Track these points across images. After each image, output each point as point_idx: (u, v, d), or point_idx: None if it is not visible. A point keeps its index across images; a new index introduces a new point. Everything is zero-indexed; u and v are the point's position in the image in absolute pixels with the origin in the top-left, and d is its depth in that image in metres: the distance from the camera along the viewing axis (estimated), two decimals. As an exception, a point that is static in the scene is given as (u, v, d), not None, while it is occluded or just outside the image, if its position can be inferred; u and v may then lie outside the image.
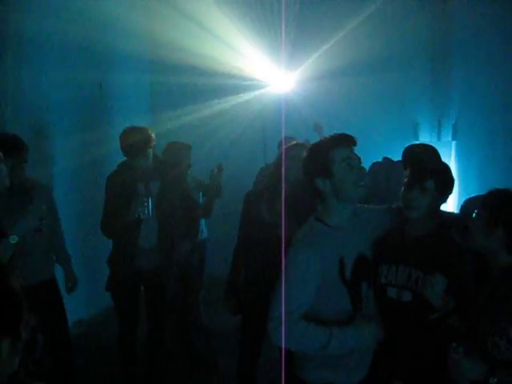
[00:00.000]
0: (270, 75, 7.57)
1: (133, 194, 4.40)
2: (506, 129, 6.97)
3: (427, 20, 7.34)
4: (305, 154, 3.60)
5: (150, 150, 4.49)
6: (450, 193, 2.89)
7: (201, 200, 5.70)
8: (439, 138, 7.81)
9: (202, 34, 7.14)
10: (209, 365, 5.48)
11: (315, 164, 2.76)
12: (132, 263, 4.48)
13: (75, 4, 5.95)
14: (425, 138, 7.79)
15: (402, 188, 2.85)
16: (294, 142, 4.19)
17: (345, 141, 2.75)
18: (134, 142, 4.40)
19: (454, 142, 7.72)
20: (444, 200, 2.89)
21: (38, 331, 1.40)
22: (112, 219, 4.41)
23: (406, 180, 2.84)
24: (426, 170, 2.81)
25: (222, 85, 7.44)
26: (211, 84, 7.42)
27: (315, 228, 2.79)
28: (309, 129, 6.74)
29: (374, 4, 6.79)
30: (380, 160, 5.39)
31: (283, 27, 6.71)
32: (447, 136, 7.78)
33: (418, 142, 5.12)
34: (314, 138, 6.79)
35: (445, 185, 2.86)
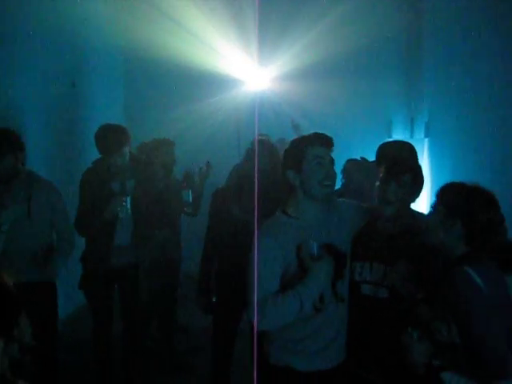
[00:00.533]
0: (244, 73, 7.58)
1: (108, 193, 4.37)
2: (478, 126, 7.05)
3: (401, 19, 7.41)
4: (269, 149, 3.88)
5: (126, 148, 4.46)
6: (422, 189, 2.93)
7: (190, 198, 5.66)
8: (412, 136, 7.88)
9: (177, 31, 7.11)
10: (186, 364, 5.47)
11: (289, 157, 2.87)
12: (107, 261, 4.46)
13: (47, 0, 5.88)
14: (398, 136, 7.86)
15: (377, 184, 2.88)
16: (259, 139, 4.20)
17: (321, 140, 2.83)
18: (110, 140, 4.36)
19: (426, 140, 7.80)
20: (416, 196, 2.93)
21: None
22: (87, 218, 4.36)
23: (381, 176, 2.86)
24: (402, 164, 2.86)
25: (196, 82, 7.42)
26: (186, 81, 7.41)
27: (277, 219, 2.90)
28: (284, 127, 6.77)
29: (349, 2, 6.82)
30: (354, 157, 5.40)
31: (257, 25, 6.72)
32: (420, 133, 7.86)
33: (391, 139, 5.18)
34: (290, 136, 6.83)
35: (419, 180, 2.90)
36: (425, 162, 7.53)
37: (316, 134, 2.87)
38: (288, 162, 2.88)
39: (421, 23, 7.48)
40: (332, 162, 2.85)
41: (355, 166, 5.07)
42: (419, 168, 2.99)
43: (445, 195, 2.52)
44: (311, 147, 2.80)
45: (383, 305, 2.77)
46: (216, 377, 4.31)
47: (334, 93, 7.45)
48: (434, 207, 2.53)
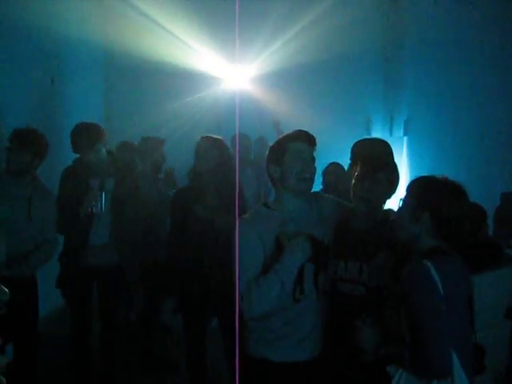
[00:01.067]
0: (224, 71, 7.58)
1: (85, 190, 4.36)
2: (456, 124, 7.12)
3: (379, 17, 7.46)
4: (209, 145, 4.02)
5: (100, 146, 4.45)
6: (397, 186, 2.96)
7: None
8: (391, 134, 7.95)
9: (155, 30, 7.10)
10: (169, 363, 5.45)
11: (272, 151, 2.95)
12: (83, 260, 4.43)
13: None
14: (377, 134, 7.91)
15: (353, 181, 2.90)
16: (205, 136, 4.26)
17: (304, 137, 2.91)
18: (83, 138, 4.38)
19: (405, 138, 7.87)
20: (392, 193, 2.95)
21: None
22: (63, 213, 4.34)
23: (356, 174, 2.89)
24: (377, 162, 2.90)
25: (175, 80, 7.40)
26: (165, 79, 7.38)
27: (257, 210, 3.01)
28: (263, 126, 6.79)
29: (329, 2, 6.85)
30: (332, 156, 5.46)
31: (237, 23, 6.71)
32: (399, 131, 7.93)
33: (365, 138, 5.20)
34: (270, 135, 6.86)
35: (395, 177, 2.93)
36: (404, 159, 7.59)
37: (300, 130, 2.94)
38: (270, 156, 2.95)
39: (400, 22, 7.53)
40: (313, 158, 2.91)
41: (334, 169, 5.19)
42: (394, 165, 3.02)
43: (413, 188, 2.55)
44: (293, 142, 2.88)
45: (359, 302, 2.77)
46: (192, 372, 4.35)
47: (314, 92, 7.48)
48: (404, 201, 2.56)
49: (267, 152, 3.01)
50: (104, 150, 4.50)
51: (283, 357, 2.85)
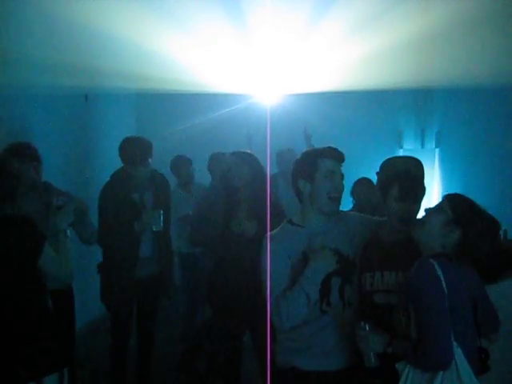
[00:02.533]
0: (254, 86, 7.62)
1: (131, 204, 4.41)
2: (489, 136, 7.05)
3: (411, 26, 7.42)
4: (241, 161, 4.02)
5: (150, 160, 4.51)
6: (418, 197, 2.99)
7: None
8: (423, 146, 7.90)
9: (187, 43, 7.15)
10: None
11: (302, 166, 2.97)
12: (133, 272, 4.45)
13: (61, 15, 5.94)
14: (408, 146, 7.88)
15: (392, 202, 2.89)
16: (235, 152, 4.29)
17: (334, 154, 2.94)
18: (137, 151, 4.43)
19: (437, 150, 7.81)
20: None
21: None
22: (113, 231, 4.36)
23: (396, 194, 2.88)
24: (418, 184, 2.95)
25: (206, 97, 7.46)
26: (197, 96, 7.45)
27: (283, 227, 3.03)
28: (293, 139, 6.81)
29: (358, 13, 6.84)
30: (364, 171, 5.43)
31: (268, 40, 6.75)
32: (431, 144, 7.87)
33: (397, 156, 5.15)
34: (298, 147, 6.87)
35: (410, 191, 2.94)
36: (436, 172, 7.54)
37: (330, 147, 2.97)
38: (300, 170, 2.97)
39: (433, 32, 7.49)
40: (342, 177, 2.96)
41: (364, 186, 5.14)
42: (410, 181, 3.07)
43: (455, 201, 2.58)
44: (324, 159, 2.90)
45: None
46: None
47: (345, 105, 7.47)
48: (441, 208, 2.59)
49: (295, 165, 3.04)
50: (150, 164, 4.56)
51: (311, 365, 2.88)
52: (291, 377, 2.91)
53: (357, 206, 5.13)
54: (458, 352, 2.37)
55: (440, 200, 2.67)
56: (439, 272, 2.40)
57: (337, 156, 2.94)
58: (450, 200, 2.60)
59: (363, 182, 5.18)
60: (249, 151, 4.24)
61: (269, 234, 2.98)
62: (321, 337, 2.88)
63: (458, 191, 2.68)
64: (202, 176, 6.18)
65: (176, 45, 6.83)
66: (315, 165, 2.90)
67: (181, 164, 6.19)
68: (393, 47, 6.68)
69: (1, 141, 4.48)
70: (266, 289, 2.83)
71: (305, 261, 2.83)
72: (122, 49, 6.50)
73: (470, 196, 2.63)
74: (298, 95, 7.52)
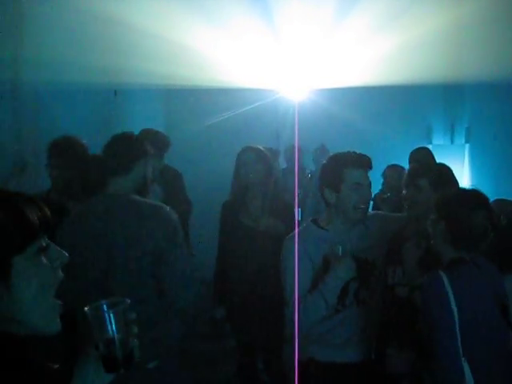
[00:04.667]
0: (283, 82, 7.62)
1: None
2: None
3: (440, 22, 7.36)
4: (255, 157, 3.94)
5: (163, 155, 4.51)
6: (451, 186, 2.96)
7: None
8: (452, 141, 7.84)
9: (214, 39, 7.17)
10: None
11: (328, 175, 2.94)
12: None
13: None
14: (438, 141, 7.82)
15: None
16: (249, 147, 4.25)
17: (361, 163, 2.88)
18: (153, 144, 4.42)
19: (467, 145, 7.74)
20: None
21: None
22: None
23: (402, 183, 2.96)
24: (417, 168, 2.99)
25: (235, 92, 7.48)
26: (225, 91, 7.47)
27: (308, 227, 3.04)
28: (323, 134, 6.80)
29: (390, 7, 6.80)
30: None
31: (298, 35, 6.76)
32: (460, 139, 7.81)
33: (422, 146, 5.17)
34: (330, 144, 6.87)
35: (439, 182, 2.92)
36: (465, 167, 7.47)
37: (356, 155, 2.90)
38: (326, 180, 2.94)
39: (461, 28, 7.42)
40: (369, 185, 2.92)
41: (395, 172, 5.11)
42: (439, 170, 3.04)
43: (437, 200, 2.56)
44: (352, 170, 2.85)
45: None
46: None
47: (374, 100, 7.44)
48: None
49: (321, 172, 3.02)
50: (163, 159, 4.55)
51: (329, 357, 2.93)
52: (309, 367, 2.94)
53: (385, 188, 5.25)
54: (466, 369, 2.29)
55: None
56: (447, 286, 2.32)
57: (364, 164, 2.88)
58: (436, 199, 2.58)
59: (395, 168, 5.21)
60: (261, 148, 4.22)
61: (296, 232, 2.98)
62: (335, 333, 2.92)
63: (488, 187, 2.67)
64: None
65: (204, 41, 6.86)
66: (341, 176, 2.85)
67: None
68: (422, 41, 6.64)
69: (32, 137, 4.56)
70: (288, 288, 2.86)
71: (326, 265, 2.85)
72: (151, 45, 6.55)
73: (499, 192, 2.62)
74: (326, 90, 7.50)
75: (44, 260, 1.22)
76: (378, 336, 2.98)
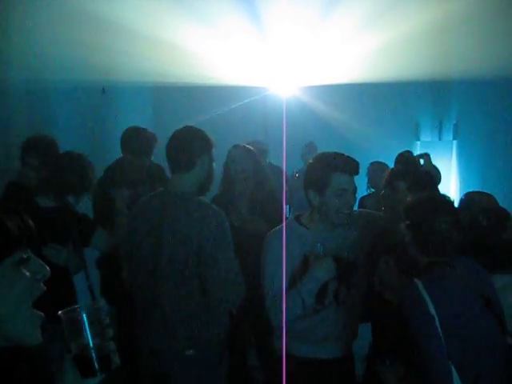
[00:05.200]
0: (271, 79, 7.62)
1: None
2: (507, 128, 7.01)
3: (427, 19, 7.38)
4: (244, 154, 3.96)
5: (146, 152, 4.47)
6: (428, 190, 2.99)
7: None
8: (440, 138, 7.87)
9: (203, 36, 7.16)
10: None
11: (314, 178, 2.87)
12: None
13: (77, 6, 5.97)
14: (426, 138, 7.85)
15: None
16: (238, 145, 4.25)
17: (348, 168, 2.83)
18: (140, 141, 4.39)
19: (455, 142, 7.77)
20: None
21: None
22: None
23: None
24: (398, 171, 3.05)
25: (223, 90, 7.47)
26: (213, 89, 7.46)
27: (290, 224, 2.98)
28: (311, 131, 6.80)
29: (377, 5, 6.81)
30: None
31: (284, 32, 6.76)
32: (448, 135, 7.84)
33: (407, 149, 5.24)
34: (318, 140, 6.88)
35: (417, 187, 2.95)
36: (453, 164, 7.51)
37: (344, 159, 2.85)
38: (311, 182, 2.88)
39: (449, 25, 7.44)
40: (354, 191, 2.87)
41: (378, 168, 5.15)
42: (418, 177, 3.10)
43: (405, 211, 2.55)
44: (337, 175, 2.80)
45: None
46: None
47: (362, 96, 7.46)
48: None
49: (306, 173, 2.97)
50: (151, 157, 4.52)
51: (306, 353, 2.93)
52: (288, 363, 2.88)
53: (369, 184, 5.40)
54: (454, 373, 2.27)
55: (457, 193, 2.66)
56: (423, 293, 2.29)
57: (351, 169, 2.82)
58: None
59: (379, 165, 5.29)
60: (248, 146, 4.22)
61: (278, 228, 2.96)
62: (313, 330, 2.93)
63: (475, 183, 2.69)
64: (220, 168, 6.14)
65: (193, 38, 6.85)
66: (327, 180, 2.79)
67: None
68: (409, 39, 6.65)
69: (21, 134, 4.53)
70: (267, 283, 2.85)
71: (305, 264, 2.83)
72: (140, 43, 6.53)
73: (488, 188, 2.63)
74: (314, 87, 7.52)
75: (24, 271, 1.21)
76: (369, 352, 3.04)
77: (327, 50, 7.16)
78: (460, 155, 7.63)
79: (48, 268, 1.26)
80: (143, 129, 4.50)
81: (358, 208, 5.16)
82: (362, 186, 5.36)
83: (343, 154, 2.86)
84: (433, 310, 2.26)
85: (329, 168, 2.81)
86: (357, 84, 7.25)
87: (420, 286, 2.32)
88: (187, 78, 7.10)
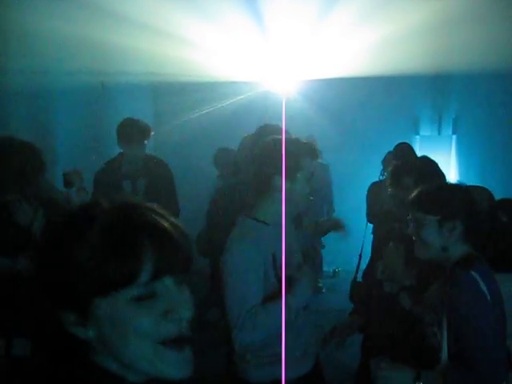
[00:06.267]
0: (270, 74, 7.62)
1: (117, 192, 4.24)
2: (507, 123, 7.00)
3: (427, 12, 7.35)
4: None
5: (145, 142, 4.48)
6: (438, 179, 2.93)
7: None
8: (440, 132, 7.85)
9: (201, 31, 7.14)
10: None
11: (281, 162, 2.61)
12: None
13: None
14: (425, 132, 7.84)
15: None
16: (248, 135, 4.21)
17: (314, 153, 2.75)
18: (134, 131, 4.41)
19: (454, 136, 7.76)
20: None
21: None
22: None
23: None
24: (400, 167, 2.94)
25: (223, 86, 7.46)
26: (211, 85, 7.44)
27: (247, 224, 2.71)
28: (311, 124, 6.80)
29: (374, 1, 6.80)
30: (378, 157, 5.44)
31: (286, 27, 6.75)
32: (448, 130, 7.82)
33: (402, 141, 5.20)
34: (318, 134, 6.86)
35: (424, 179, 2.86)
36: (452, 158, 7.51)
37: (309, 144, 2.76)
38: (276, 166, 2.62)
39: (449, 18, 7.42)
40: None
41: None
42: (422, 168, 2.99)
43: (426, 203, 2.32)
44: (307, 158, 2.69)
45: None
46: None
47: (362, 91, 7.45)
48: (418, 220, 2.34)
49: (270, 157, 2.69)
50: (145, 147, 4.52)
51: (293, 371, 2.65)
52: None
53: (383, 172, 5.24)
54: None
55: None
56: (482, 286, 2.11)
57: (316, 155, 2.75)
58: (418, 208, 2.34)
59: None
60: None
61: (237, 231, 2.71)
62: (294, 344, 2.67)
63: (474, 178, 2.65)
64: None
65: (193, 35, 6.84)
66: (298, 164, 2.63)
67: (225, 155, 5.85)
68: (409, 32, 6.64)
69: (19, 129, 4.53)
70: (236, 299, 2.53)
71: (274, 262, 2.62)
72: (138, 39, 6.52)
73: (486, 183, 2.59)
74: (314, 81, 7.51)
75: (146, 308, 1.05)
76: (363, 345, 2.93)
77: (325, 44, 7.15)
78: (459, 150, 7.62)
79: (190, 309, 1.10)
80: (137, 119, 4.52)
81: (368, 192, 5.17)
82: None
83: (299, 139, 2.76)
84: (491, 305, 2.11)
85: (298, 152, 2.66)
86: (356, 78, 7.23)
87: (478, 278, 2.12)
88: (187, 75, 7.09)
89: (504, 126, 7.10)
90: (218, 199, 4.16)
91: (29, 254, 2.97)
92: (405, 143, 5.08)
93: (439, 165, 3.08)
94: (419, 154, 4.77)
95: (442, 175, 3.00)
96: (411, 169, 2.94)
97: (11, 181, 3.11)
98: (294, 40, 7.03)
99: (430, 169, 3.01)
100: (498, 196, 2.68)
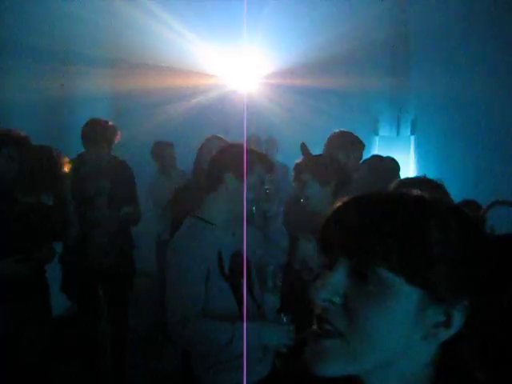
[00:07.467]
0: (232, 71, 7.62)
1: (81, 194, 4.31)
2: (465, 124, 7.10)
3: (387, 15, 7.45)
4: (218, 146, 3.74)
5: (105, 144, 4.46)
6: (341, 182, 3.03)
7: None
8: (398, 133, 7.95)
9: (163, 31, 7.11)
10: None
11: (236, 161, 2.67)
12: (93, 261, 4.45)
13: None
14: (384, 133, 7.92)
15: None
16: (212, 136, 4.28)
17: (269, 165, 2.81)
18: (97, 131, 4.40)
19: (412, 137, 7.86)
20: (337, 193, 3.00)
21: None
22: (77, 218, 4.24)
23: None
24: (301, 163, 3.12)
25: (183, 82, 7.43)
26: (175, 81, 7.41)
27: (193, 223, 2.75)
28: (272, 125, 6.81)
29: (338, 2, 6.86)
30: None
31: (246, 23, 6.74)
32: (406, 131, 7.92)
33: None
34: (278, 135, 6.89)
35: (323, 176, 2.98)
36: (411, 159, 7.60)
37: (267, 157, 2.85)
38: (230, 165, 2.69)
39: (408, 20, 7.52)
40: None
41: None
42: (321, 165, 3.12)
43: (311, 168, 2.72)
44: (261, 165, 2.74)
45: None
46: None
47: (320, 91, 7.49)
48: (302, 181, 2.72)
49: (224, 157, 2.77)
50: (108, 148, 4.51)
51: (252, 375, 2.65)
52: None
53: None
54: None
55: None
56: None
57: (271, 169, 2.80)
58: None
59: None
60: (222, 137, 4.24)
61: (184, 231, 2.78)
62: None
63: (434, 178, 2.66)
64: (182, 162, 6.14)
65: (157, 32, 6.81)
66: (253, 167, 2.66)
67: (162, 148, 6.17)
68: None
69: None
70: (180, 301, 2.56)
71: (220, 262, 2.65)
72: (101, 35, 6.47)
73: (445, 183, 2.61)
74: (274, 82, 7.54)
75: None
76: None
77: (286, 44, 7.19)
78: (418, 150, 7.72)
79: None
80: (105, 120, 4.51)
81: None
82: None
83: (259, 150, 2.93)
84: None
85: (255, 156, 2.72)
86: (315, 79, 7.29)
87: None
88: (152, 72, 7.06)
89: (462, 127, 7.21)
90: (177, 200, 4.19)
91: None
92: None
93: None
94: (379, 154, 4.82)
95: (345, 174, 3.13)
96: (310, 165, 3.11)
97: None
98: (256, 41, 7.05)
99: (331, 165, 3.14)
100: (455, 197, 2.72)
